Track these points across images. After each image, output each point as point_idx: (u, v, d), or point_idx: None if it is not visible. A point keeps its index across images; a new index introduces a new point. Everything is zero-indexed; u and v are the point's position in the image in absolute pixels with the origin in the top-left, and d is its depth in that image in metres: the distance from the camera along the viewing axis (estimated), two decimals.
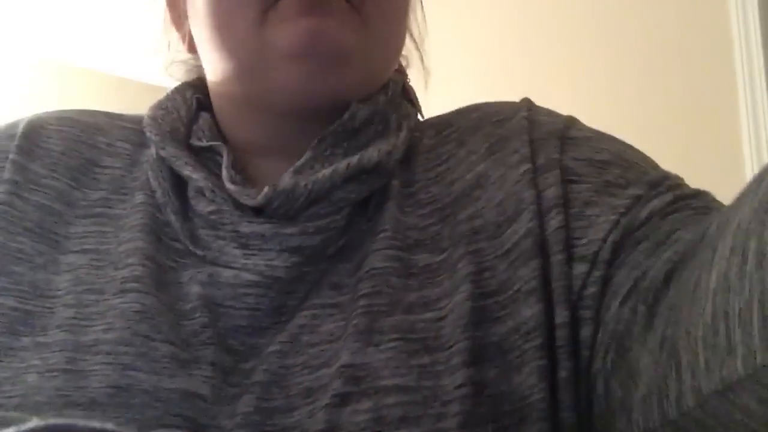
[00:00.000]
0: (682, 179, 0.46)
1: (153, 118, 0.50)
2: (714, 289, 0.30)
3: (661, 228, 0.40)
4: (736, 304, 0.28)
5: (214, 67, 0.50)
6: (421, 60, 0.58)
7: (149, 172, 0.49)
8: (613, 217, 0.41)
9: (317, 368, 0.41)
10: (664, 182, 0.44)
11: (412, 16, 0.55)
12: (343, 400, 0.39)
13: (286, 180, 0.45)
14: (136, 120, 0.53)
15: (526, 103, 0.51)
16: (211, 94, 0.53)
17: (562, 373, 0.40)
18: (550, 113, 0.50)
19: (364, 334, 0.41)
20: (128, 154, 0.52)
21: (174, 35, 0.55)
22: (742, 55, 1.58)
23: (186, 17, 0.52)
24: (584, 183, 0.44)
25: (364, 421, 0.38)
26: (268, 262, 0.44)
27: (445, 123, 0.52)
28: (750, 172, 1.53)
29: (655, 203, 0.42)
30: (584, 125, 0.50)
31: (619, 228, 0.41)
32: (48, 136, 0.51)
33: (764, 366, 0.26)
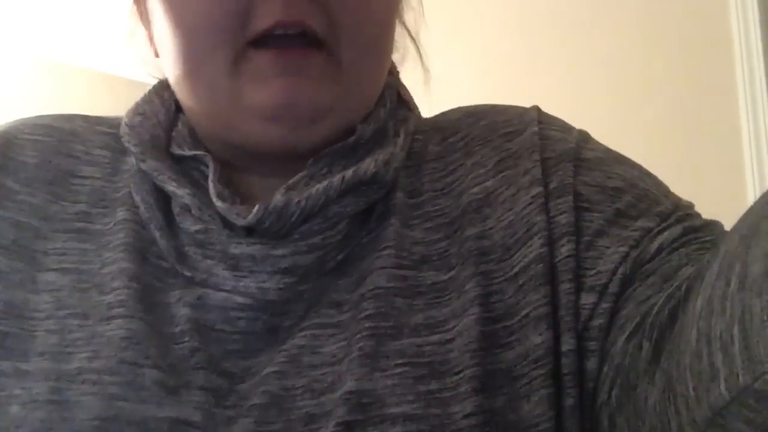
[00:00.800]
0: (692, 207, 0.45)
1: (131, 126, 0.48)
2: (698, 314, 0.30)
3: (669, 263, 0.40)
4: (718, 327, 0.28)
5: (184, 101, 0.47)
6: (421, 61, 0.56)
7: (131, 185, 0.47)
8: (622, 249, 0.41)
9: (320, 393, 0.39)
10: (675, 213, 0.43)
11: (411, 14, 0.54)
12: (348, 428, 0.37)
13: (278, 198, 0.42)
14: (116, 124, 0.50)
15: (536, 113, 0.49)
16: (186, 113, 0.49)
17: (569, 401, 0.39)
18: (561, 128, 0.48)
19: (369, 358, 0.39)
20: (108, 163, 0.49)
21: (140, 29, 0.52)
22: (742, 55, 1.58)
23: (149, 22, 0.49)
24: (596, 212, 0.43)
25: None
26: (260, 285, 0.42)
27: (450, 128, 0.50)
28: (750, 172, 1.53)
29: (665, 236, 0.41)
30: (596, 143, 0.48)
31: (629, 261, 0.40)
32: (22, 147, 0.48)
33: (747, 387, 0.26)
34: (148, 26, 0.50)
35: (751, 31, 1.58)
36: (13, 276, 0.43)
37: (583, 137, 0.48)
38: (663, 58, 1.74)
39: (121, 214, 0.46)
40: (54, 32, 2.92)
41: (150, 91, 0.51)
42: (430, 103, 0.56)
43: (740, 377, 0.26)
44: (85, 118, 0.52)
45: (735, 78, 1.59)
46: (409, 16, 0.54)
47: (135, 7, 0.51)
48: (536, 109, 0.50)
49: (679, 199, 0.45)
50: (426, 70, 0.57)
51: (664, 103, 1.72)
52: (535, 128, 0.47)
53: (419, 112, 0.52)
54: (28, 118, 0.52)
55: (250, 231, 0.43)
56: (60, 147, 0.49)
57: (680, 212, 0.43)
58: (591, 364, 0.39)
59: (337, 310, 0.42)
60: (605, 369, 0.39)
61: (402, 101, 0.51)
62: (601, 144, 0.48)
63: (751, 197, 1.50)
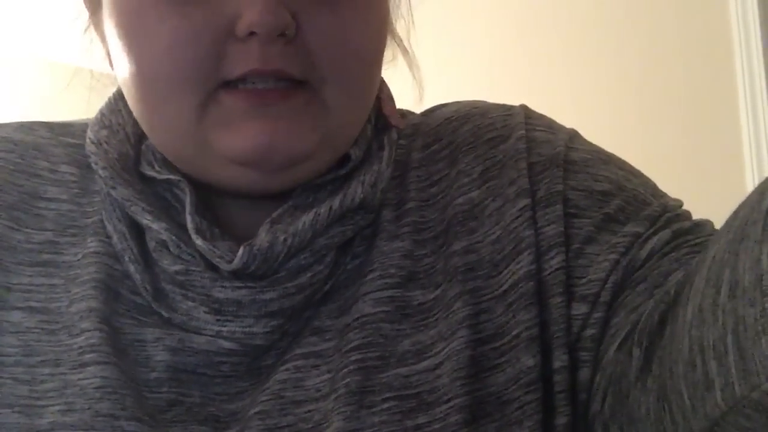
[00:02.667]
0: (680, 206, 0.44)
1: (97, 143, 0.43)
2: (689, 322, 0.29)
3: (659, 268, 0.39)
4: (711, 336, 0.27)
5: (152, 137, 0.42)
6: (413, 74, 0.51)
7: (102, 212, 0.43)
8: (612, 257, 0.40)
9: None
10: (664, 215, 0.41)
11: (402, 24, 0.50)
12: None
13: (263, 237, 0.39)
14: (82, 132, 0.45)
15: (523, 115, 0.46)
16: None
17: (562, 420, 0.39)
18: (549, 128, 0.46)
19: (356, 394, 0.38)
20: (75, 181, 0.44)
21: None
22: (742, 55, 1.58)
23: (105, 39, 0.44)
24: (585, 218, 0.41)
25: None
26: (246, 329, 0.40)
27: (433, 134, 0.47)
28: (750, 172, 1.53)
29: (655, 241, 0.40)
30: (584, 142, 0.46)
31: (620, 269, 0.39)
32: None
33: (744, 397, 0.26)
34: (103, 41, 0.44)
35: (751, 31, 1.58)
36: None
37: (571, 137, 0.46)
38: (663, 58, 1.74)
39: (92, 244, 0.42)
40: (57, 33, 2.92)
41: (115, 97, 0.46)
42: (420, 100, 0.52)
43: (736, 388, 0.26)
44: (49, 127, 0.47)
45: (735, 78, 1.59)
46: (399, 23, 0.50)
47: (92, 21, 0.45)
48: (523, 108, 0.47)
49: (668, 199, 0.44)
50: (419, 84, 0.52)
51: (665, 103, 1.71)
52: (522, 131, 0.45)
53: (394, 108, 0.48)
54: None
55: (235, 273, 0.40)
56: (23, 165, 0.44)
57: (669, 213, 0.42)
58: (583, 374, 0.39)
59: (319, 337, 0.40)
60: (597, 378, 0.38)
61: (380, 113, 0.47)
62: (588, 143, 0.46)
63: None
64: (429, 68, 0.58)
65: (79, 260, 0.42)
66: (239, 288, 0.39)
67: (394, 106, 0.48)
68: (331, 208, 0.40)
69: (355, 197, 0.41)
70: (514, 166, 0.43)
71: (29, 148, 0.45)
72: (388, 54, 0.49)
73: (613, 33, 1.87)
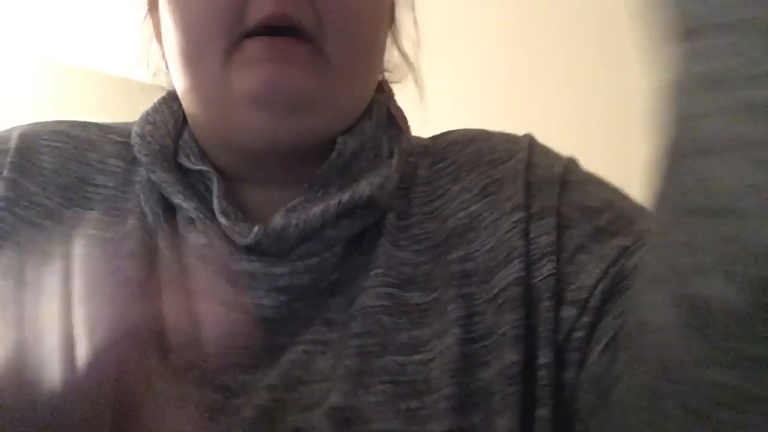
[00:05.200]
0: None
1: (141, 135, 0.50)
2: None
3: None
4: None
5: (185, 102, 0.50)
6: (414, 78, 0.58)
7: (141, 195, 0.49)
8: (602, 265, 0.43)
9: (308, 408, 0.42)
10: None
11: (402, 32, 0.56)
12: None
13: (278, 219, 0.45)
14: (127, 132, 0.52)
15: (527, 143, 0.51)
16: (188, 121, 0.52)
17: (543, 412, 0.42)
18: (550, 156, 0.50)
19: (354, 375, 0.42)
20: (120, 173, 0.52)
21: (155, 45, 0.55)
22: None
23: (161, 35, 0.52)
24: (576, 229, 0.45)
25: None
26: (256, 301, 0.44)
27: (440, 154, 0.52)
28: None
29: (641, 254, 0.42)
30: (582, 168, 0.51)
31: (608, 277, 0.42)
32: (41, 153, 0.51)
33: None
34: (160, 41, 0.52)
35: None
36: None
37: (569, 162, 0.50)
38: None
39: (131, 222, 0.48)
40: (60, 33, 2.91)
41: (160, 102, 0.54)
42: (424, 122, 0.57)
43: None
44: (100, 127, 0.55)
45: None
46: (399, 34, 0.56)
47: (152, 22, 0.54)
48: (529, 138, 0.52)
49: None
50: (420, 87, 0.59)
51: None
52: (523, 155, 0.49)
53: (409, 131, 0.54)
54: (47, 123, 0.54)
55: (250, 249, 0.45)
56: (76, 155, 0.52)
57: None
58: (569, 374, 0.42)
59: (329, 328, 0.45)
60: (582, 378, 0.41)
61: (392, 119, 0.53)
62: (585, 169, 0.51)
63: None
64: (434, 85, 0.60)
65: (119, 237, 0.48)
66: (253, 261, 0.45)
67: (405, 117, 0.54)
68: (339, 201, 0.45)
69: (363, 194, 0.46)
70: (512, 183, 0.47)
71: (82, 142, 0.53)
72: (395, 76, 0.57)
73: (613, 33, 1.86)
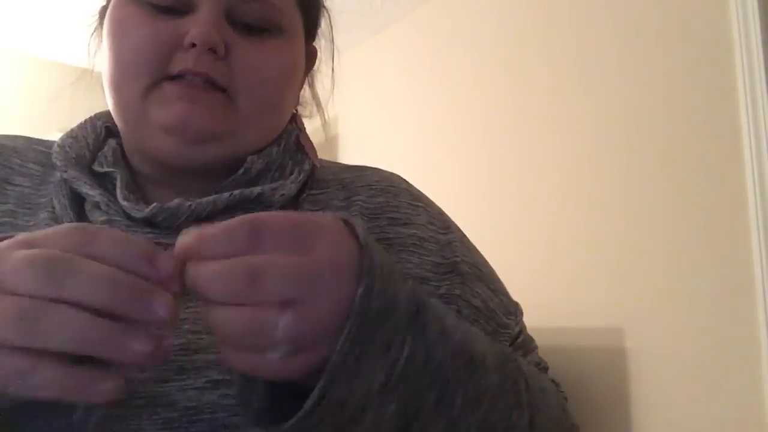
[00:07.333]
0: (520, 318, 0.66)
1: (62, 146, 0.60)
2: None
3: None
4: None
5: (113, 115, 0.59)
6: (323, 125, 0.70)
7: (53, 194, 0.57)
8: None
9: (194, 353, 0.49)
10: (517, 337, 0.63)
11: (317, 81, 0.68)
12: (215, 385, 0.48)
13: (174, 201, 0.54)
14: (51, 145, 0.61)
15: (426, 219, 0.64)
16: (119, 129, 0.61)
17: None
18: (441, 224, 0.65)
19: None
20: (38, 175, 0.61)
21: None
22: (742, 55, 1.58)
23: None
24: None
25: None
26: None
27: (354, 192, 0.63)
28: (750, 172, 1.53)
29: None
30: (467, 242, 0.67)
31: None
32: None
33: None
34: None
35: (751, 31, 1.57)
36: None
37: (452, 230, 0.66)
38: (663, 59, 1.73)
39: (42, 216, 0.56)
40: (20, 24, 2.92)
41: (86, 119, 0.64)
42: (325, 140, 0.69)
43: None
44: (28, 139, 0.65)
45: (735, 78, 1.58)
46: (314, 83, 0.68)
47: (98, 38, 0.63)
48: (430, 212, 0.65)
49: (517, 322, 0.65)
50: (327, 129, 0.72)
51: (664, 104, 1.71)
52: (414, 231, 0.62)
53: (316, 158, 0.65)
54: None
55: (147, 222, 0.54)
56: (0, 159, 0.61)
57: (519, 336, 0.64)
58: None
59: None
60: None
61: (300, 147, 0.64)
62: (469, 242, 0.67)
63: (751, 197, 1.50)
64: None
65: (30, 226, 0.55)
66: (147, 233, 0.54)
67: (312, 146, 0.66)
68: (231, 194, 0.55)
69: (254, 191, 0.56)
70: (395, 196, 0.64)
71: (9, 149, 0.62)
72: (306, 110, 0.70)
73: (613, 33, 1.87)
